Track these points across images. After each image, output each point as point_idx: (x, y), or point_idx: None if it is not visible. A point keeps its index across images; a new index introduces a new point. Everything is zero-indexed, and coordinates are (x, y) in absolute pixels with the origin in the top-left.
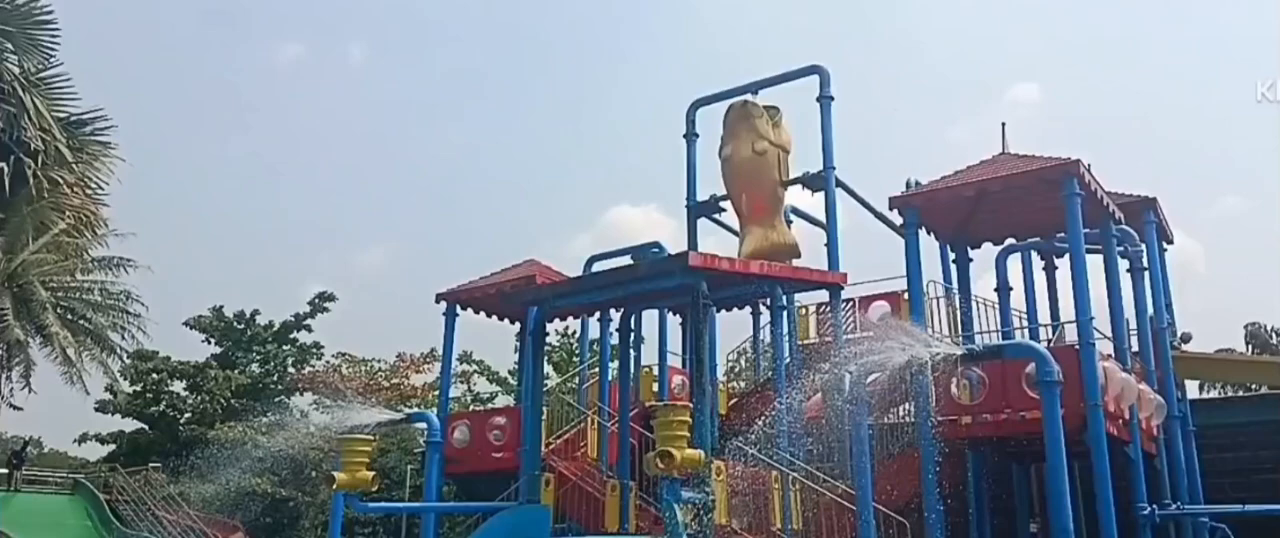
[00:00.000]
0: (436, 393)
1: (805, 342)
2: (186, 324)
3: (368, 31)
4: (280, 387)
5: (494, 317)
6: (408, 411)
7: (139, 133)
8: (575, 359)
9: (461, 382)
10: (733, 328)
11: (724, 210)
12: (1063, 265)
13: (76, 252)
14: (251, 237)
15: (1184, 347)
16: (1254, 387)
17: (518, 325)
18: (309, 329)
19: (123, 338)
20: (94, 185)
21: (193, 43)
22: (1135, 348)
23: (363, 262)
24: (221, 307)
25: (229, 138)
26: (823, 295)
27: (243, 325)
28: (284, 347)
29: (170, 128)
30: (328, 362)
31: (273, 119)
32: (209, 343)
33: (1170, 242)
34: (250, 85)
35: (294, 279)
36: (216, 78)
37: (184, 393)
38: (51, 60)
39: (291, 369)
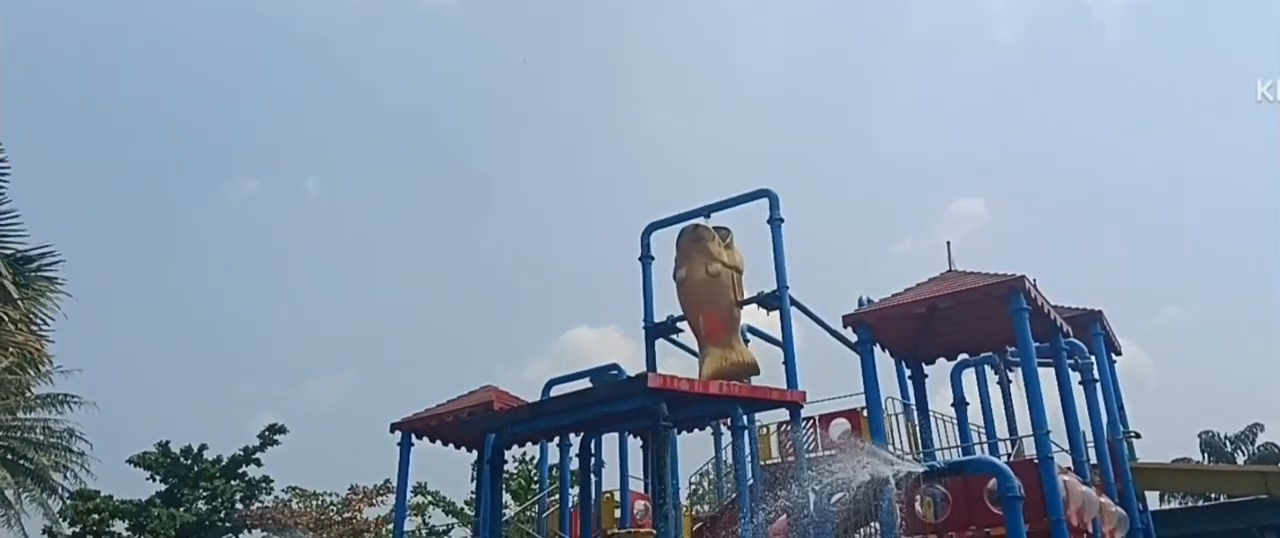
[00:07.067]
0: (390, 527)
1: (768, 462)
2: (131, 461)
3: (323, 166)
4: (227, 524)
5: (450, 445)
6: None
7: (88, 266)
8: (534, 486)
9: (416, 514)
10: (694, 449)
11: (682, 331)
12: (1016, 379)
13: (19, 389)
14: (202, 370)
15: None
16: (1213, 496)
17: (475, 453)
18: (258, 463)
19: (65, 477)
20: (39, 321)
21: (147, 176)
22: (1093, 460)
23: (315, 392)
24: (168, 442)
25: (180, 270)
26: (783, 414)
27: (190, 461)
28: (232, 482)
29: (119, 260)
30: (277, 497)
31: (225, 252)
32: (154, 480)
33: (1118, 353)
34: (204, 219)
35: (244, 412)
36: (170, 211)
37: (126, 534)
38: (0, 197)
39: (239, 505)
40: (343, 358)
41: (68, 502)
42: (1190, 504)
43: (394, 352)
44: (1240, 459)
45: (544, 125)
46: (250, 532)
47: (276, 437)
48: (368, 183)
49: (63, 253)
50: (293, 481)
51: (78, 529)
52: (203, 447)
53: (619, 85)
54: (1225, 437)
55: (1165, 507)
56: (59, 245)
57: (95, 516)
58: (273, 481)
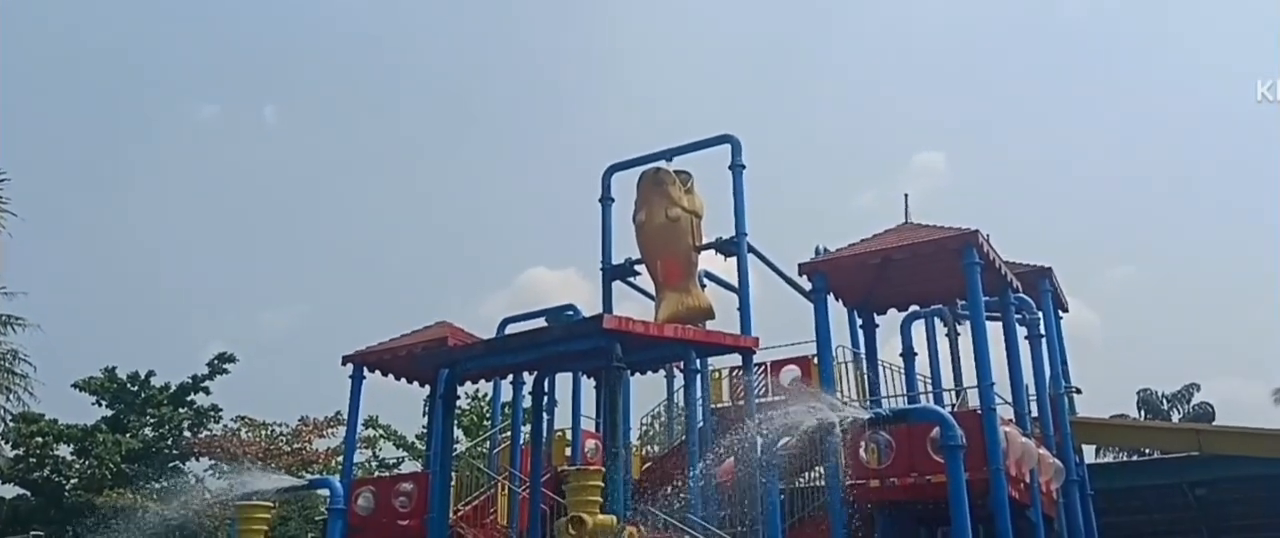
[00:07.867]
0: (339, 459)
1: (718, 405)
2: (76, 386)
3: (282, 93)
4: (175, 451)
5: (402, 379)
6: (310, 476)
7: (37, 187)
8: (486, 423)
9: (366, 447)
10: (647, 391)
11: (639, 274)
12: (964, 332)
13: None
14: (152, 297)
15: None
16: (1147, 451)
17: (427, 388)
18: (207, 391)
19: (7, 400)
20: None
21: (104, 97)
22: (1035, 413)
23: (267, 322)
24: (114, 368)
25: (133, 194)
26: (736, 359)
27: (136, 388)
28: (180, 410)
29: (70, 182)
30: (226, 426)
31: (181, 177)
32: (99, 406)
33: (1065, 310)
34: (160, 144)
35: (195, 340)
36: (125, 135)
37: (71, 458)
38: None
39: (187, 433)
40: (296, 289)
41: (11, 424)
42: (1125, 459)
43: (349, 284)
44: (1176, 417)
45: (510, 63)
46: (197, 460)
47: (226, 366)
48: (328, 113)
49: (9, 172)
50: (242, 410)
51: (21, 452)
52: (150, 373)
53: (588, 26)
54: (1162, 395)
55: (1101, 460)
56: (5, 165)
57: (39, 439)
58: (221, 409)
